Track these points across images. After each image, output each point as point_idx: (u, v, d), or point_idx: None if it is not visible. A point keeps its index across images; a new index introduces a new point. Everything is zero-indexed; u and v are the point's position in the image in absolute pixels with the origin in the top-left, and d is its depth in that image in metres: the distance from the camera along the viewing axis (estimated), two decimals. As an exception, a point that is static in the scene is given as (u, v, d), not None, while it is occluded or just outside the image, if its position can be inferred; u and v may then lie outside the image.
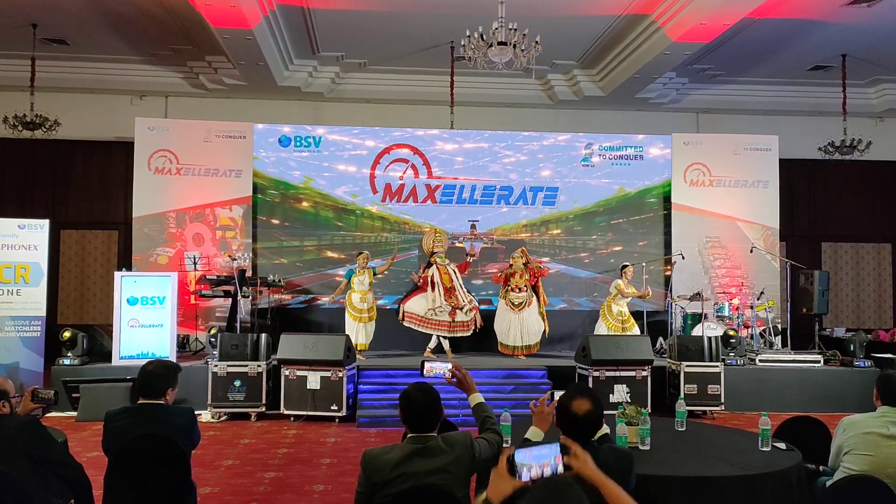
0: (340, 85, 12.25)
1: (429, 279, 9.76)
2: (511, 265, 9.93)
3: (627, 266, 9.95)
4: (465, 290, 9.92)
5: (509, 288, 9.82)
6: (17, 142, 11.07)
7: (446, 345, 9.84)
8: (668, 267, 11.20)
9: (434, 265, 9.86)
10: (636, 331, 9.80)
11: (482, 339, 10.37)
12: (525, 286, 9.80)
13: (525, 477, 2.29)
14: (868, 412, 3.90)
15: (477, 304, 10.03)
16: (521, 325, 9.76)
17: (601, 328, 9.84)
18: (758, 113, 12.94)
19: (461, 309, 9.72)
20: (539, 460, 2.32)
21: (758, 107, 12.88)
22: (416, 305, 9.82)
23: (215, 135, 11.22)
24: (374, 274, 9.86)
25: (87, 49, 11.17)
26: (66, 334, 8.81)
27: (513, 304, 9.77)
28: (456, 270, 9.93)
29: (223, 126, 11.33)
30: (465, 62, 8.59)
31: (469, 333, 9.88)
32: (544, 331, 9.90)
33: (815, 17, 9.65)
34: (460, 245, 11.29)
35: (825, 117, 12.51)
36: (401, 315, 9.87)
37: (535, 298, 9.89)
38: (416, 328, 9.85)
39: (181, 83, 12.12)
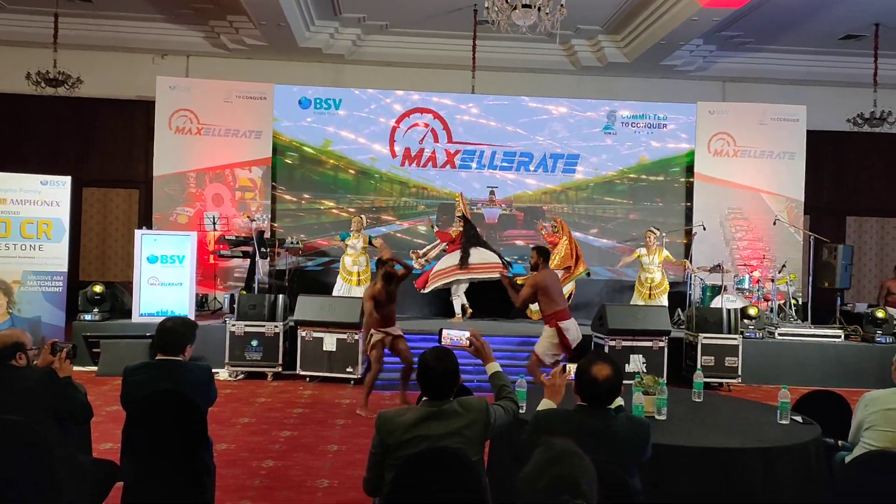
0: (361, 47, 12.12)
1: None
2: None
3: (648, 231, 9.92)
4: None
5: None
6: (40, 99, 11.07)
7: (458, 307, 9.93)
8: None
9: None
10: (664, 298, 9.72)
11: (497, 305, 10.35)
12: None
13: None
14: (890, 387, 3.84)
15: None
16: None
17: (635, 297, 9.88)
18: (786, 82, 12.65)
19: None
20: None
21: (786, 76, 12.59)
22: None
23: (236, 95, 11.18)
24: (370, 242, 9.87)
25: (109, 7, 11.12)
26: (98, 288, 8.92)
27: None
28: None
29: (244, 86, 11.29)
30: (488, 25, 8.45)
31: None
32: None
33: (850, -17, 9.39)
34: (478, 211, 11.25)
35: (855, 88, 12.17)
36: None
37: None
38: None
39: (202, 43, 12.05)
